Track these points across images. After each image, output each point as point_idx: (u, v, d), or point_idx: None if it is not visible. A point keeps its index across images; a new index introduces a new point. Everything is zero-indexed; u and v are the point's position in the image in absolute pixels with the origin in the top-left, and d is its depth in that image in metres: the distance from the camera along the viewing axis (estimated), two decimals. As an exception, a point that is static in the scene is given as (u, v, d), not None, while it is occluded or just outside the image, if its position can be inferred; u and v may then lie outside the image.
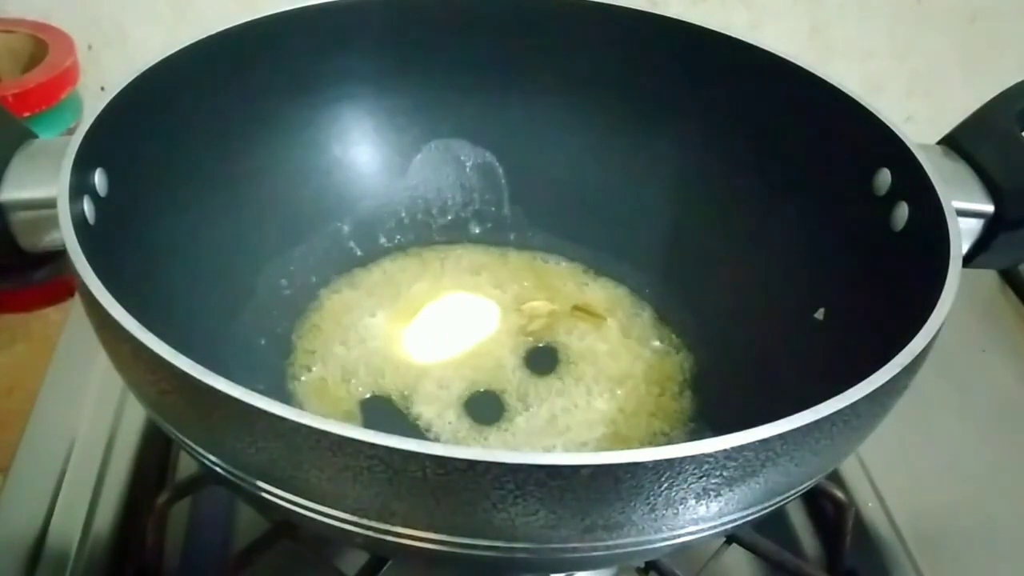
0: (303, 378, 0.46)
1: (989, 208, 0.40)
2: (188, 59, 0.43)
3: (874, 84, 0.86)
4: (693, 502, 0.27)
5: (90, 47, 0.75)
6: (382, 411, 0.45)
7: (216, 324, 0.45)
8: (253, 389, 0.26)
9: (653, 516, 0.27)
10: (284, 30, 0.47)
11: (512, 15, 0.51)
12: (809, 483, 0.33)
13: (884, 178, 0.41)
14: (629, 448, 0.28)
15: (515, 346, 0.49)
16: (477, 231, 0.55)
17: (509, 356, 0.48)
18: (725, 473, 0.27)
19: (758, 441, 0.26)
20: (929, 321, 0.31)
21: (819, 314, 0.44)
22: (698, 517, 0.28)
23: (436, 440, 0.44)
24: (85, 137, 0.36)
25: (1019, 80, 0.43)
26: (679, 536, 0.29)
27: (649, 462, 0.25)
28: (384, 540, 0.29)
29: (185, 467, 0.48)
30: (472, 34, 0.52)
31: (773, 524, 0.46)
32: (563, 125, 0.53)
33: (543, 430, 0.45)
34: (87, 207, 0.36)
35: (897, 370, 0.29)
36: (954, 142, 0.43)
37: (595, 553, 0.29)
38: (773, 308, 0.46)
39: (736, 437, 0.26)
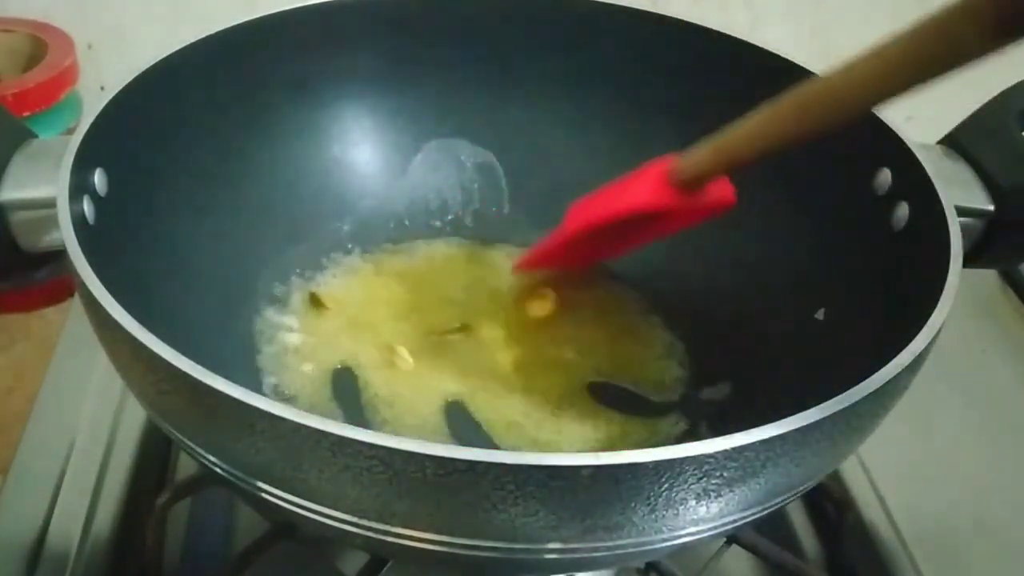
0: (303, 378, 0.46)
1: (989, 208, 0.40)
2: (188, 59, 0.43)
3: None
4: (693, 503, 0.27)
5: (90, 47, 0.75)
6: (383, 411, 0.45)
7: (216, 324, 0.45)
8: (254, 389, 0.26)
9: (653, 517, 0.27)
10: (283, 30, 0.47)
11: (512, 14, 0.51)
12: (809, 483, 0.33)
13: (884, 178, 0.41)
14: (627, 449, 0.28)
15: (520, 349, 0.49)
16: (477, 231, 0.55)
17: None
18: (725, 474, 0.27)
19: (758, 441, 0.26)
20: (929, 321, 0.31)
21: (819, 314, 0.44)
22: (698, 518, 0.28)
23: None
24: (85, 137, 0.36)
25: (1019, 80, 0.43)
26: (679, 537, 0.29)
27: (649, 463, 0.25)
28: (384, 541, 0.29)
29: (185, 467, 0.48)
30: (472, 33, 0.52)
31: (773, 524, 0.46)
32: (563, 125, 0.53)
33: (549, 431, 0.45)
34: (87, 207, 0.36)
35: (897, 370, 0.29)
36: (954, 142, 0.43)
37: (595, 554, 0.29)
38: (773, 308, 0.46)
39: (736, 437, 0.26)
